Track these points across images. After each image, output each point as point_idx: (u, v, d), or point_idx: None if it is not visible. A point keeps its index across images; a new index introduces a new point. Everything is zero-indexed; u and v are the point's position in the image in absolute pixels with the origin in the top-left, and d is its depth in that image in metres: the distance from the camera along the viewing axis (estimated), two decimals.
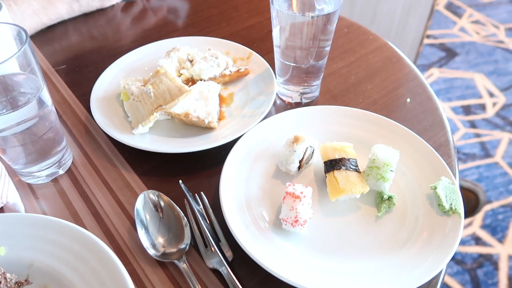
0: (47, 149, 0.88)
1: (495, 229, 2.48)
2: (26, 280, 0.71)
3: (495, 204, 2.61)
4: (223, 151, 0.95)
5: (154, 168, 0.95)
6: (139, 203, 0.80)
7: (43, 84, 0.82)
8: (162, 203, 0.81)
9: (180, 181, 0.85)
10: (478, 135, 3.04)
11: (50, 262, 0.73)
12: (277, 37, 1.01)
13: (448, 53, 3.80)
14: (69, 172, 0.95)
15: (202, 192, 0.85)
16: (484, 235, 2.45)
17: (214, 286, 0.74)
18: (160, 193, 0.83)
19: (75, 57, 1.31)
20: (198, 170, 0.95)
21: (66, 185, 0.92)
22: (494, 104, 3.30)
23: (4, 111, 0.79)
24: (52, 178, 0.93)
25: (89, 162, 0.97)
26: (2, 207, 0.81)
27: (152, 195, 0.82)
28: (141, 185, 0.92)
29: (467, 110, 3.25)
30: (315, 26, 0.95)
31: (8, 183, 0.84)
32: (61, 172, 0.94)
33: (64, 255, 0.73)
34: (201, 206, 0.83)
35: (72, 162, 0.97)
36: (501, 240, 2.42)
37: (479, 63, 3.70)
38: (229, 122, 1.02)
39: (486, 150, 2.94)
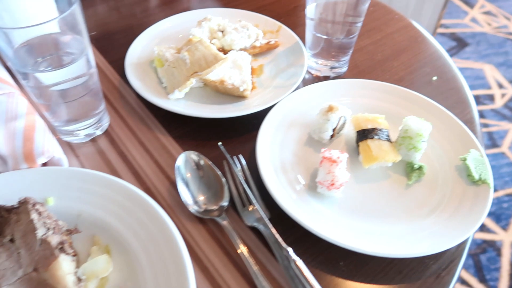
0: (88, 109, 0.91)
1: (500, 217, 2.53)
2: (75, 229, 0.74)
3: (500, 193, 2.65)
4: (255, 119, 0.98)
5: (189, 132, 0.98)
6: (180, 161, 0.83)
7: (89, 45, 0.84)
8: (202, 162, 0.84)
9: (220, 143, 0.88)
10: (486, 125, 3.07)
11: (97, 213, 0.77)
12: (312, 10, 1.03)
13: (459, 43, 3.80)
14: (107, 133, 0.97)
15: (240, 155, 0.88)
16: (489, 222, 2.49)
17: (252, 242, 0.78)
18: (199, 153, 0.86)
19: (104, 24, 1.33)
20: (231, 137, 0.97)
21: (104, 145, 0.95)
22: (503, 95, 3.32)
23: (52, 67, 0.81)
24: (91, 138, 0.96)
25: (125, 125, 0.99)
26: (47, 161, 0.84)
27: (192, 154, 0.85)
28: (177, 148, 0.94)
29: (476, 100, 3.27)
30: (348, 3, 0.97)
31: (51, 139, 0.87)
32: (98, 132, 0.96)
33: (111, 207, 0.77)
34: (239, 168, 0.86)
35: (109, 124, 0.99)
36: (504, 227, 2.47)
37: (489, 54, 3.70)
38: (260, 92, 1.05)
39: (493, 140, 2.97)
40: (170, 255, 0.69)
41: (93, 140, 0.96)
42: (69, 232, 0.73)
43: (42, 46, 0.80)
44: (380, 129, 0.88)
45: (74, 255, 0.70)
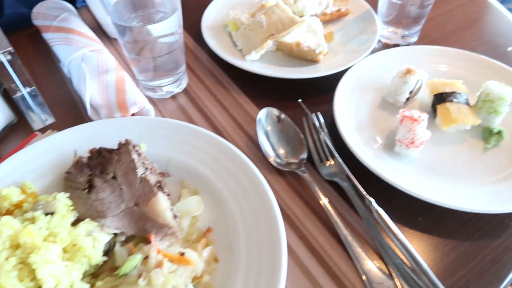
0: (172, 66, 0.96)
1: None
2: (166, 173, 0.79)
3: None
4: (327, 82, 1.00)
5: (263, 93, 1.01)
6: (262, 115, 0.87)
7: (179, 6, 0.88)
8: (282, 117, 0.88)
9: (299, 100, 0.91)
10: None
11: (185, 160, 0.82)
12: None
13: None
14: (185, 92, 1.02)
15: (319, 113, 0.90)
16: None
17: (329, 194, 0.81)
18: (278, 111, 0.89)
19: None
20: (304, 98, 1.00)
21: (184, 102, 1.00)
22: None
23: (144, 23, 0.86)
24: (171, 95, 1.01)
25: (202, 85, 1.04)
26: (137, 112, 0.90)
27: (273, 109, 0.88)
28: (253, 107, 0.98)
29: None
30: None
31: (139, 92, 0.93)
32: (178, 90, 1.01)
33: (198, 154, 0.81)
34: (318, 125, 0.89)
35: (187, 84, 1.04)
36: None
37: None
38: (332, 57, 1.06)
39: None
40: (258, 200, 0.73)
41: (173, 97, 1.01)
42: (162, 175, 0.79)
43: (139, 2, 0.85)
44: (459, 93, 0.88)
45: (168, 195, 0.76)
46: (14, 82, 0.82)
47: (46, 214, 0.69)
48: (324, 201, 0.77)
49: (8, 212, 0.72)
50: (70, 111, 0.98)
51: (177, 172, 0.81)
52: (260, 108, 0.97)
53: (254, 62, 1.03)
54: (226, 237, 0.72)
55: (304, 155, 0.84)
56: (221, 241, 0.72)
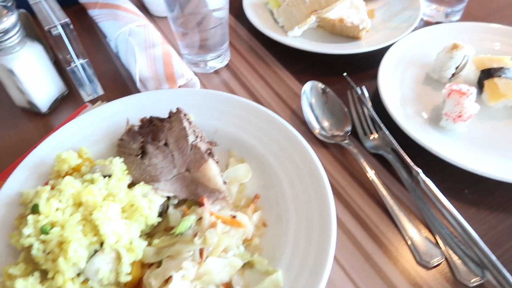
0: (217, 41, 0.98)
1: None
2: (213, 142, 0.81)
3: None
4: (370, 58, 1.00)
5: (305, 68, 1.02)
6: (307, 87, 0.88)
7: None
8: (326, 90, 0.89)
9: (345, 74, 0.92)
10: None
11: (232, 130, 0.84)
12: None
13: None
14: (228, 67, 1.04)
15: (363, 86, 0.91)
16: None
17: (374, 166, 0.81)
18: (323, 84, 0.90)
19: None
20: (347, 73, 1.00)
21: (227, 77, 1.02)
22: None
23: None
24: (214, 70, 1.03)
25: (244, 60, 1.05)
26: (184, 84, 0.92)
27: (317, 83, 0.89)
28: (295, 81, 0.99)
29: None
30: None
31: (185, 65, 0.95)
32: (221, 66, 1.03)
33: (244, 124, 0.83)
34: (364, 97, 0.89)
35: (230, 60, 1.06)
36: None
37: None
38: (374, 34, 1.06)
39: None
40: (306, 168, 0.74)
41: (216, 72, 1.03)
42: (210, 143, 0.81)
43: None
44: (508, 68, 0.87)
45: (217, 162, 0.78)
46: (69, 53, 0.85)
47: (104, 177, 0.72)
48: (370, 172, 0.78)
49: (68, 175, 0.75)
50: (117, 84, 1.01)
51: (223, 142, 0.83)
52: (302, 83, 0.99)
53: (296, 38, 1.04)
54: (274, 204, 0.74)
55: (348, 128, 0.85)
56: (269, 208, 0.74)
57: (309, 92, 0.87)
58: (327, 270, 0.62)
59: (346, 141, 0.83)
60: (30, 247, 0.65)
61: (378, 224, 0.74)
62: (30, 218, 0.64)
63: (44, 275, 0.64)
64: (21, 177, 0.77)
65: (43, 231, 0.63)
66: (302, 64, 1.03)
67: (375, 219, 0.75)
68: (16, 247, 0.67)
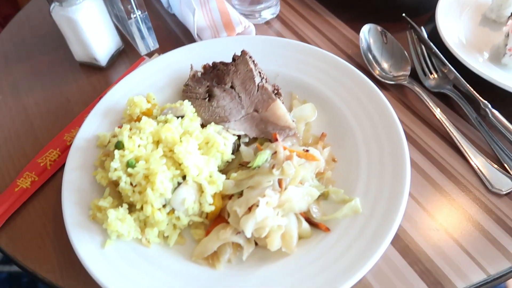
0: None
1: None
2: (276, 86, 0.83)
3: None
4: (420, 3, 0.99)
5: (356, 16, 1.01)
6: (365, 29, 0.88)
7: None
8: (385, 32, 0.89)
9: (403, 14, 0.91)
10: None
11: (293, 73, 0.84)
12: None
13: None
14: (279, 18, 1.04)
15: (422, 27, 0.90)
16: None
17: (437, 105, 0.81)
18: (380, 27, 0.90)
19: None
20: (399, 20, 0.99)
21: (279, 27, 1.02)
22: None
23: None
24: (265, 21, 1.03)
25: (294, 11, 1.05)
26: (241, 32, 0.93)
27: (375, 25, 0.89)
28: (348, 29, 0.99)
29: None
30: None
31: (239, 14, 0.96)
32: (272, 17, 1.03)
33: (304, 67, 0.84)
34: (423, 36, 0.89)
35: (280, 11, 1.06)
36: None
37: None
38: None
39: None
40: (372, 105, 0.75)
41: (268, 23, 1.03)
42: (273, 87, 0.82)
43: None
44: None
45: (282, 103, 0.79)
46: (131, 3, 0.86)
47: (177, 118, 0.74)
48: (434, 110, 0.78)
49: (139, 120, 0.78)
50: (171, 38, 1.03)
51: (284, 86, 0.84)
52: (355, 30, 0.99)
53: None
54: (341, 141, 0.76)
55: (408, 68, 0.85)
56: (337, 145, 0.76)
57: (368, 34, 0.88)
58: (404, 196, 0.64)
59: (407, 81, 0.83)
60: (115, 182, 0.68)
61: (446, 158, 0.75)
62: (117, 153, 0.67)
63: (130, 208, 0.67)
64: (94, 123, 0.79)
65: (130, 165, 0.66)
66: (353, 12, 1.03)
67: (444, 154, 0.75)
68: (101, 183, 0.70)
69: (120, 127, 0.77)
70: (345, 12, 1.03)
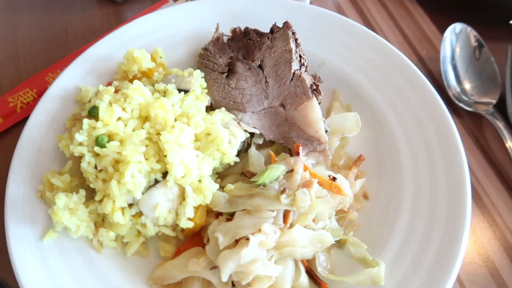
0: None
1: None
2: (317, 77, 0.63)
3: None
4: None
5: (441, 7, 0.78)
6: (453, 30, 0.66)
7: None
8: (480, 41, 0.66)
9: (511, 21, 0.68)
10: None
11: (342, 65, 0.64)
12: None
13: None
14: None
15: None
16: None
17: None
18: (476, 33, 0.67)
19: None
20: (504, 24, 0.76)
21: (342, 0, 0.81)
22: None
23: None
24: None
25: None
26: None
27: (470, 29, 0.66)
28: (429, 23, 0.77)
29: None
30: None
31: None
32: None
33: (357, 59, 0.63)
34: None
35: None
36: None
37: None
38: None
39: None
40: (433, 128, 0.56)
41: None
42: (313, 77, 0.63)
43: None
44: None
45: (319, 103, 0.60)
46: None
47: (179, 91, 0.57)
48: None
49: (136, 79, 0.61)
50: None
51: (329, 79, 0.64)
52: (439, 26, 0.76)
53: None
54: (383, 172, 0.57)
55: (496, 96, 0.64)
56: (376, 176, 0.57)
57: (455, 38, 0.66)
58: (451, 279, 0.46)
59: (490, 112, 0.62)
60: (80, 157, 0.52)
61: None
62: (86, 122, 0.51)
63: (90, 194, 0.52)
64: (81, 69, 0.63)
65: (99, 142, 0.50)
66: (442, 2, 0.79)
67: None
68: (64, 152, 0.54)
69: (110, 84, 0.61)
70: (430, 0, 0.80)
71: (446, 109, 0.57)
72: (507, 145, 0.59)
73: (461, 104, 0.64)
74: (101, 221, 0.52)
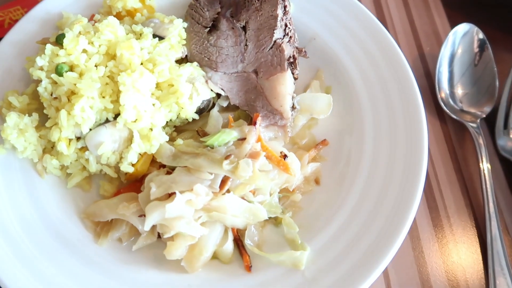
0: None
1: None
2: (304, 51, 0.60)
3: None
4: None
5: (466, 4, 0.73)
6: (460, 30, 0.61)
7: None
8: (485, 45, 0.61)
9: None
10: None
11: (332, 43, 0.61)
12: None
13: None
14: None
15: None
16: None
17: (495, 174, 0.57)
18: (485, 36, 0.62)
19: None
20: None
21: None
22: None
23: None
24: None
25: None
26: None
27: (477, 32, 0.62)
28: (444, 17, 0.72)
29: None
30: None
31: None
32: None
33: (349, 39, 0.60)
34: None
35: None
36: None
37: None
38: None
39: None
40: (407, 127, 0.53)
41: None
42: (299, 51, 0.60)
43: None
44: None
45: (295, 79, 0.58)
46: None
47: (155, 37, 0.56)
48: (487, 179, 0.55)
49: (118, 17, 0.60)
50: None
51: (315, 57, 0.61)
52: (452, 23, 0.71)
53: None
54: (343, 161, 0.55)
55: (488, 109, 0.60)
56: (333, 163, 0.55)
57: (460, 38, 0.61)
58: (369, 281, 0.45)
59: (475, 125, 0.59)
60: (40, 81, 0.53)
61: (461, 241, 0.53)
62: (49, 48, 0.51)
63: (44, 121, 0.52)
64: None
65: (58, 70, 0.50)
66: None
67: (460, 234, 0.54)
68: (29, 74, 0.55)
69: (93, 16, 0.60)
70: None
71: (424, 116, 0.53)
72: (480, 164, 0.56)
73: (446, 109, 0.60)
74: (50, 148, 0.53)
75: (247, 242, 0.49)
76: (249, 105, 0.56)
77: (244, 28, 0.58)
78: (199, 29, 0.60)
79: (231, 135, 0.51)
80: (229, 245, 0.49)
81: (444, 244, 0.54)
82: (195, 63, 0.57)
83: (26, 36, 0.59)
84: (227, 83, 0.57)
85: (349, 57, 0.60)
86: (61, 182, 0.53)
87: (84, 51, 0.51)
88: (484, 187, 0.55)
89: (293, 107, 0.56)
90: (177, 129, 0.57)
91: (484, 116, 0.60)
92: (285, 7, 0.57)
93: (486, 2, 0.72)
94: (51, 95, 0.51)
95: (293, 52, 0.57)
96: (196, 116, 0.55)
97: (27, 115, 0.51)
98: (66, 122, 0.48)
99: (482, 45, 0.61)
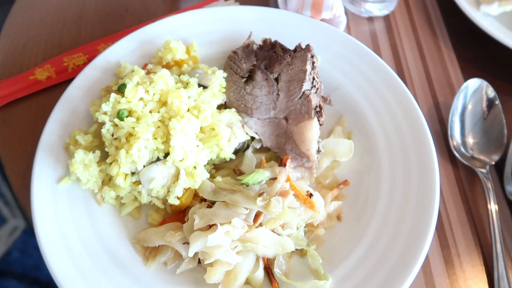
0: None
1: None
2: (328, 100, 0.68)
3: None
4: None
5: (479, 58, 0.80)
6: (471, 85, 0.68)
7: None
8: (495, 101, 0.68)
9: None
10: None
11: (354, 93, 0.69)
12: None
13: None
14: (386, 18, 0.85)
15: None
16: None
17: (504, 217, 0.63)
18: (495, 90, 0.69)
19: None
20: None
21: (379, 28, 0.84)
22: None
23: None
24: (369, 15, 0.85)
25: (409, 18, 0.85)
26: (328, 20, 0.77)
27: (486, 84, 0.68)
28: (457, 69, 0.78)
29: None
30: None
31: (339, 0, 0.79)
32: (379, 14, 0.84)
33: (371, 93, 0.67)
34: None
35: (392, 11, 0.86)
36: None
37: None
38: None
39: None
40: (421, 177, 0.59)
41: (370, 19, 0.85)
42: (324, 99, 0.68)
43: None
44: None
45: (321, 125, 0.66)
46: None
47: (199, 86, 0.65)
48: (495, 224, 0.60)
49: (167, 66, 0.69)
50: None
51: (339, 104, 0.69)
52: (466, 75, 0.78)
53: (488, 18, 0.80)
54: (362, 200, 0.62)
55: (496, 157, 0.65)
56: (353, 202, 0.62)
57: (471, 93, 0.68)
58: None
59: (484, 171, 0.64)
60: (102, 124, 0.62)
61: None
62: (113, 96, 0.60)
63: (105, 156, 0.61)
64: (127, 47, 0.72)
65: (119, 115, 0.59)
66: (478, 50, 0.81)
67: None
68: (93, 116, 0.64)
69: (146, 65, 0.70)
70: (468, 47, 0.81)
71: (435, 160, 0.60)
72: (488, 206, 0.61)
73: (458, 156, 0.66)
74: (108, 180, 0.61)
75: (276, 270, 0.56)
76: (280, 147, 0.63)
77: (276, 80, 0.67)
78: (237, 79, 0.68)
79: (264, 175, 0.58)
80: (260, 273, 0.55)
81: (454, 280, 0.60)
82: (233, 109, 0.65)
83: (89, 81, 0.68)
84: (260, 127, 0.65)
85: (368, 105, 0.68)
86: (115, 210, 0.61)
87: (141, 99, 0.60)
88: (492, 228, 0.60)
89: (318, 151, 0.63)
90: (216, 166, 0.65)
91: (493, 163, 0.66)
92: (313, 63, 0.65)
93: (498, 55, 0.79)
94: (112, 135, 0.60)
95: (319, 101, 0.65)
96: (233, 156, 0.63)
97: (91, 152, 0.60)
98: (125, 159, 0.57)
99: (491, 101, 0.68)
